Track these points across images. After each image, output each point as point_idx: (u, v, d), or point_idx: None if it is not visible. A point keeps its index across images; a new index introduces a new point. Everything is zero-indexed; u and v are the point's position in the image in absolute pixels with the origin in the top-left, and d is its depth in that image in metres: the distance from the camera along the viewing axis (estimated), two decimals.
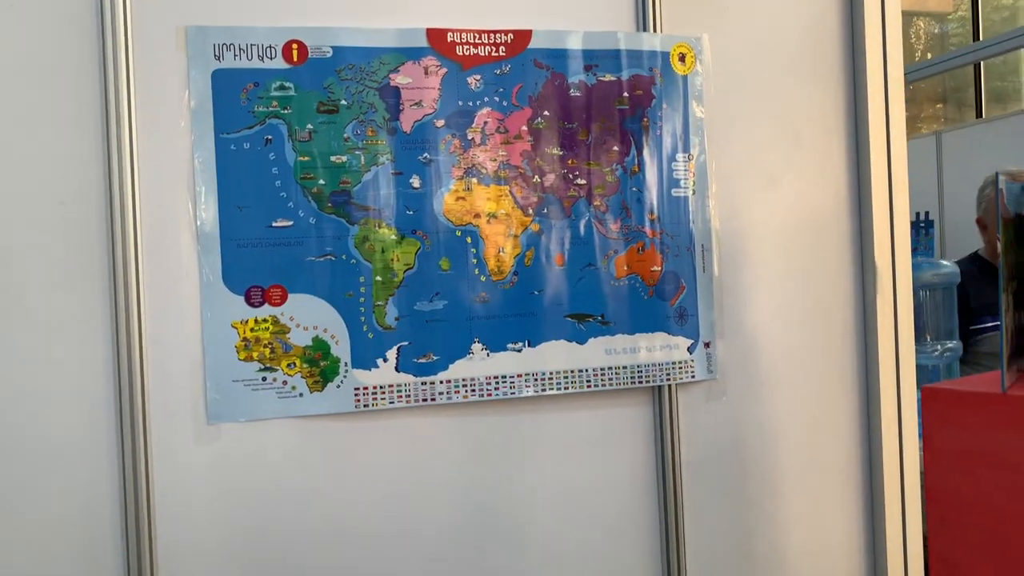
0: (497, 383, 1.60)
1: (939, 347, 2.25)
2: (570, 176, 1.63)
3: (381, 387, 1.54)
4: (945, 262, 2.42)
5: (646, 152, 1.67)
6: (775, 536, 1.76)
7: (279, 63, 1.49)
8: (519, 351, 1.61)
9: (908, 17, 11.20)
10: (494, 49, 1.58)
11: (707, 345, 1.72)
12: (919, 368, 1.87)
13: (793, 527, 1.77)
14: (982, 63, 8.47)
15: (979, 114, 8.42)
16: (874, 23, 1.78)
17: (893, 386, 1.77)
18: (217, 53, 1.47)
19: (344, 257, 1.52)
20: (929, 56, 10.48)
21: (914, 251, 5.31)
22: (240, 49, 1.48)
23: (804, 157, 1.77)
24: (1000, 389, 1.12)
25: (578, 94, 1.63)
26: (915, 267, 2.28)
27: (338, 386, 1.52)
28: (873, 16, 1.78)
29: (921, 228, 5.50)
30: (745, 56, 1.74)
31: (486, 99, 1.58)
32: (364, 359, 1.54)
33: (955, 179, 7.15)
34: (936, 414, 1.18)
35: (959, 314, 2.51)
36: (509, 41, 1.59)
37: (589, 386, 1.64)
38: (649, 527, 1.70)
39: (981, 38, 8.39)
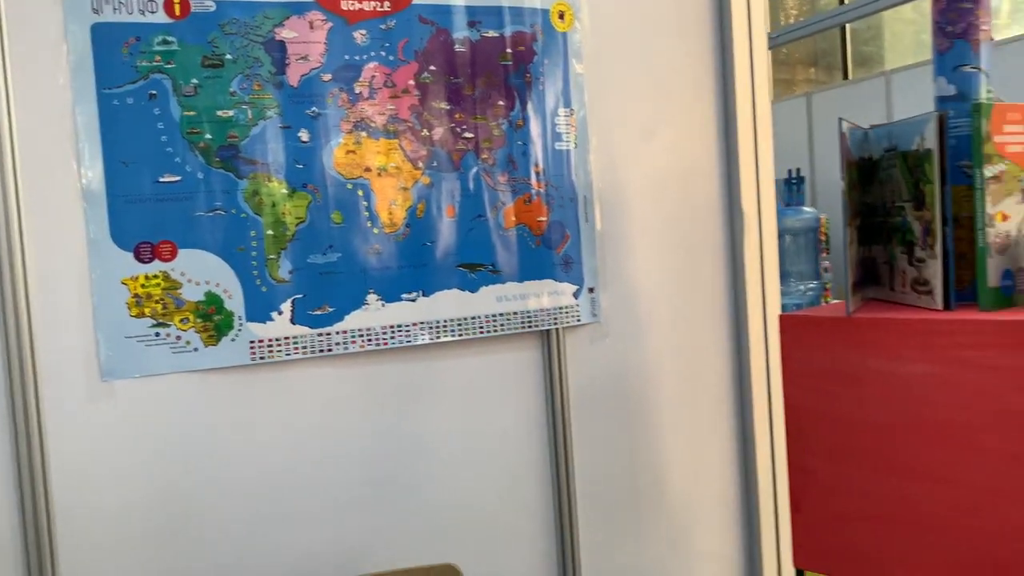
0: (393, 332, 1.65)
1: (802, 286, 2.43)
2: (458, 130, 1.69)
3: (277, 339, 1.57)
4: (807, 208, 2.60)
5: (530, 107, 1.74)
6: (658, 463, 1.89)
7: (161, 17, 1.48)
8: (413, 301, 1.67)
9: None
10: (379, 4, 1.61)
11: (591, 290, 1.81)
12: (785, 306, 2.02)
13: (673, 454, 1.91)
14: (848, 28, 8.92)
15: (845, 75, 8.89)
16: None
17: (760, 323, 1.91)
18: (95, 6, 1.44)
19: (234, 211, 1.53)
20: (801, 20, 10.94)
21: (787, 205, 5.61)
22: (120, 2, 1.46)
23: (676, 112, 1.88)
24: (846, 312, 1.25)
25: (463, 49, 1.68)
26: (780, 213, 2.44)
27: (233, 339, 1.54)
28: None
29: (793, 184, 5.80)
30: (620, 15, 1.82)
31: (372, 53, 1.61)
32: (258, 312, 1.56)
33: (824, 137, 7.56)
34: (791, 338, 1.31)
35: None
36: None
37: (481, 332, 1.72)
38: (541, 461, 1.79)
39: (846, 2, 8.84)
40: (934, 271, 1.24)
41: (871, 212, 1.39)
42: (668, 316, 1.89)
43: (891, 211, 1.34)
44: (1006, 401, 1.11)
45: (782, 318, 1.32)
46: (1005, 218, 1.21)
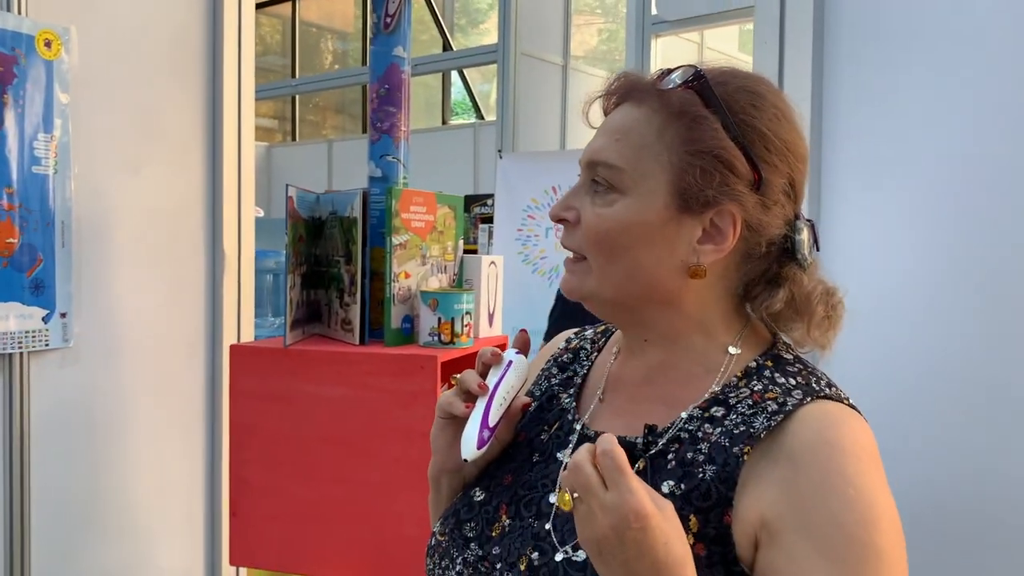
0: None
1: (277, 321, 2.68)
2: None
3: None
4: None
5: (6, 127, 1.72)
6: (125, 486, 1.96)
7: None
8: None
9: (320, 32, 12.22)
10: None
11: (63, 315, 1.83)
12: (260, 337, 2.25)
13: (143, 475, 1.99)
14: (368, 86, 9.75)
15: (364, 129, 9.68)
16: (231, 38, 2.09)
17: None
18: None
19: None
20: (336, 68, 11.61)
21: None
22: None
23: (165, 150, 2.00)
24: (284, 345, 1.50)
25: None
26: (261, 254, 2.68)
27: None
28: (231, 32, 2.09)
29: None
30: (114, 52, 1.90)
31: None
32: None
33: (342, 183, 8.15)
34: (238, 365, 1.52)
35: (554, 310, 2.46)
36: None
37: None
38: None
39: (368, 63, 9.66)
40: (355, 314, 1.55)
41: (319, 262, 1.68)
42: (147, 344, 1.98)
43: (331, 263, 1.64)
44: (395, 416, 1.45)
45: (231, 348, 1.53)
46: (408, 276, 1.57)
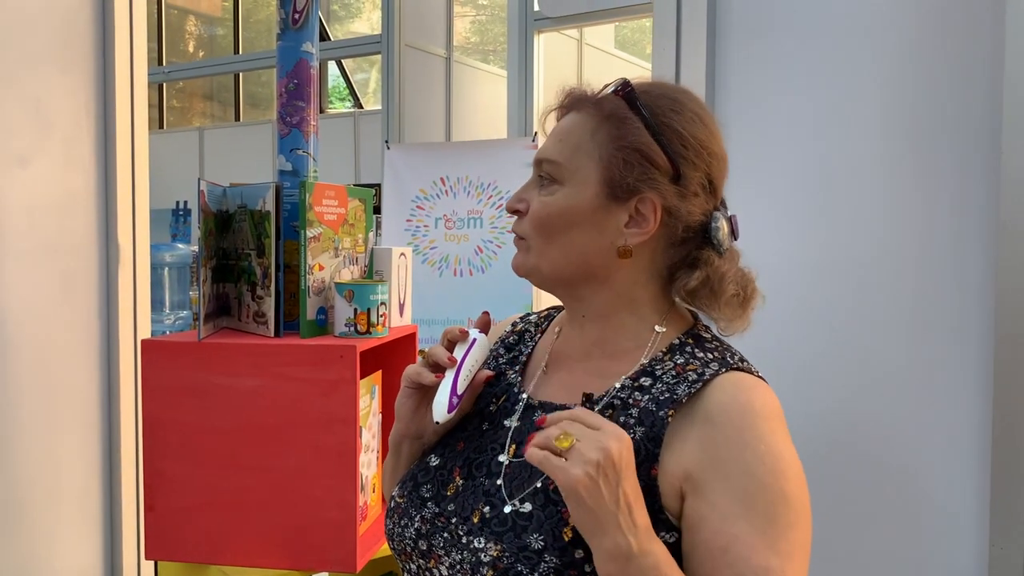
0: None
1: (173, 316, 2.64)
2: None
3: None
4: (180, 245, 2.84)
5: None
6: (12, 486, 1.90)
7: None
8: None
9: (183, 15, 11.76)
10: None
11: None
12: (156, 333, 2.21)
13: (33, 475, 1.93)
14: (241, 74, 9.46)
15: (237, 117, 9.40)
16: (123, 26, 2.04)
17: (131, 348, 2.06)
18: None
19: None
20: (201, 55, 11.20)
21: (174, 237, 5.75)
22: None
23: (54, 143, 1.94)
24: (198, 338, 1.51)
25: None
26: (156, 248, 2.63)
27: None
28: (122, 18, 2.04)
29: (180, 215, 5.96)
30: None
31: None
32: None
33: (215, 172, 7.91)
34: (151, 360, 1.51)
35: None
36: None
37: None
38: None
39: (241, 51, 9.38)
40: (269, 306, 1.57)
41: (226, 256, 1.68)
42: (37, 341, 1.92)
43: (241, 256, 1.65)
44: (314, 405, 1.48)
45: (143, 343, 1.52)
46: (321, 268, 1.61)
